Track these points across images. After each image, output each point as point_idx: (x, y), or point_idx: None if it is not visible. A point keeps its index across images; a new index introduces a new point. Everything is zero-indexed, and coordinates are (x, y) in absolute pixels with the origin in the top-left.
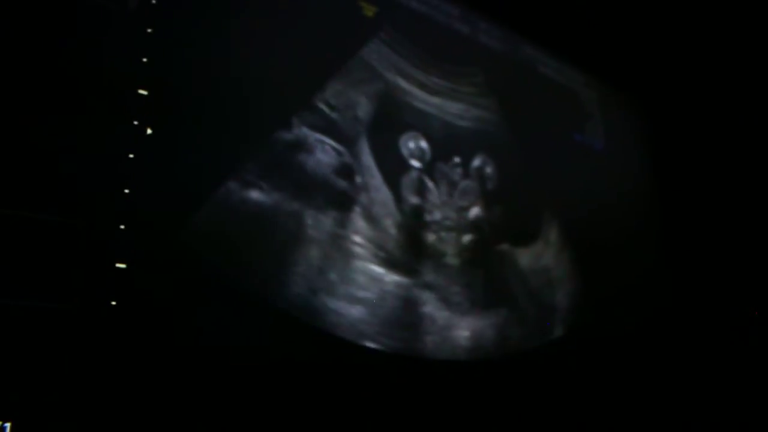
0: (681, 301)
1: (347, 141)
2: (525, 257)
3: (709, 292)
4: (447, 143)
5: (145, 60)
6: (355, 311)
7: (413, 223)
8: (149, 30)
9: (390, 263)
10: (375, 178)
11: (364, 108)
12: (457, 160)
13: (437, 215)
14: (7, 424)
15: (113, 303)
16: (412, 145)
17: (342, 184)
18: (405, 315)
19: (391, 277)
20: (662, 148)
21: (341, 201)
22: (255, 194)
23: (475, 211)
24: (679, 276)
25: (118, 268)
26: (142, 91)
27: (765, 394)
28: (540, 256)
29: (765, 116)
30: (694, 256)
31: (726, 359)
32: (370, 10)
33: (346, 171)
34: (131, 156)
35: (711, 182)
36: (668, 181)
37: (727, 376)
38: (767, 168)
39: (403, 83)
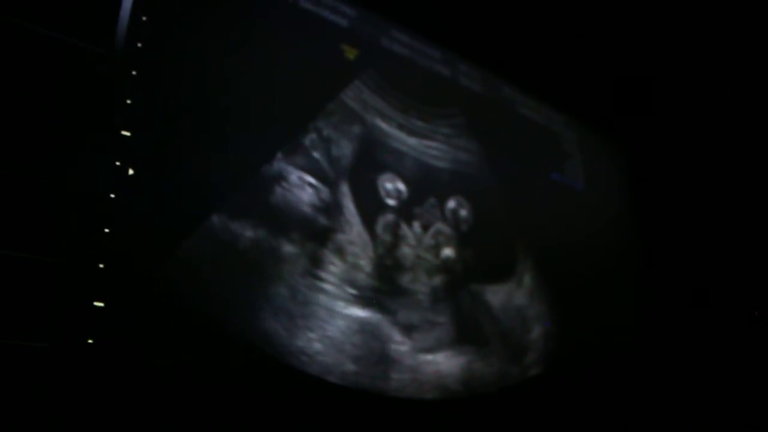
0: (660, 343)
1: (327, 180)
2: (498, 297)
3: (688, 332)
4: (424, 184)
5: (129, 102)
6: (325, 348)
7: (387, 262)
8: (134, 72)
9: (362, 301)
10: (352, 218)
11: (344, 148)
12: (433, 201)
13: (411, 255)
14: None
15: (90, 341)
16: (389, 185)
17: (320, 222)
18: (375, 353)
19: (363, 315)
20: (642, 187)
21: (318, 239)
22: (233, 232)
23: (448, 252)
24: (658, 315)
25: (96, 306)
26: (125, 132)
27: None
28: (513, 296)
29: (745, 155)
30: (674, 294)
31: (705, 401)
32: (351, 53)
33: (324, 209)
34: (112, 196)
35: (691, 221)
36: (648, 221)
37: (708, 416)
38: (748, 207)
39: (383, 125)
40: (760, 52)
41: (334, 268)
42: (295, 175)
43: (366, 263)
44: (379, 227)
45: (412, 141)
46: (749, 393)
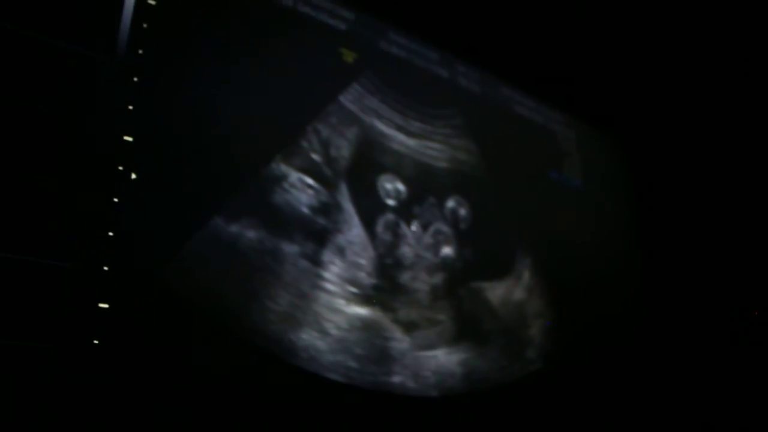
0: (660, 339)
1: (326, 181)
2: (497, 293)
3: (687, 329)
4: (423, 184)
5: (131, 108)
6: (327, 346)
7: (387, 261)
8: (135, 79)
9: (363, 300)
10: (351, 218)
11: (343, 150)
12: (432, 200)
13: (411, 254)
14: None
15: (95, 342)
16: (388, 186)
17: (319, 222)
18: (377, 351)
19: (364, 313)
20: (641, 185)
21: (318, 239)
22: (235, 233)
23: (447, 250)
24: (657, 311)
25: (101, 307)
26: (127, 138)
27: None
28: (512, 291)
29: (745, 154)
30: (673, 292)
31: (705, 396)
32: (350, 56)
33: (324, 210)
34: (116, 200)
35: (690, 219)
36: (647, 218)
37: (707, 412)
38: (748, 206)
39: (381, 126)
40: (759, 50)
41: (335, 268)
42: (294, 176)
43: (366, 262)
44: (379, 227)
45: (411, 142)
46: (748, 391)
